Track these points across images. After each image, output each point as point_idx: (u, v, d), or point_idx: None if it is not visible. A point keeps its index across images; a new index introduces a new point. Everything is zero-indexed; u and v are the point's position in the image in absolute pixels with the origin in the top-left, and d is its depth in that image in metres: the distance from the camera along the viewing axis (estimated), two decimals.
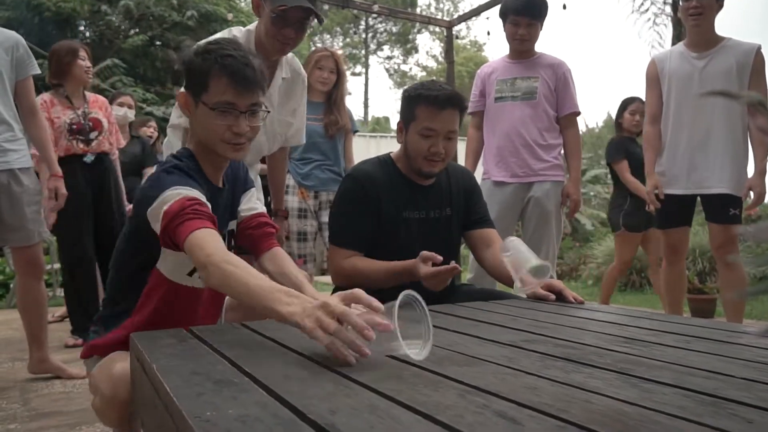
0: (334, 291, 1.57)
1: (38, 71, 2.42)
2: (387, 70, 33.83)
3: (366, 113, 28.80)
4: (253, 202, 1.48)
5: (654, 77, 2.80)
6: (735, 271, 2.64)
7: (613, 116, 4.13)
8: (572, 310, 1.36)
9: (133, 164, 3.77)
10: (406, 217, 1.74)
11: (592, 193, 10.19)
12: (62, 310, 3.75)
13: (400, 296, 0.84)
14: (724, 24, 2.81)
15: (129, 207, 3.12)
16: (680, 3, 2.76)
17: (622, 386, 0.71)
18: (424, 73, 29.78)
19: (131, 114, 4.01)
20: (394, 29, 29.41)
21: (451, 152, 1.71)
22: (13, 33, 2.38)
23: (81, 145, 3.00)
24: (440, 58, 28.43)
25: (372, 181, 1.72)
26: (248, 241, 1.45)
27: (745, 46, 2.61)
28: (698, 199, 2.72)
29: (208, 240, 1.07)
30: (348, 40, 29.35)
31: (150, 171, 3.43)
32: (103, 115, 3.14)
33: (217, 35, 1.95)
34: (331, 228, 1.82)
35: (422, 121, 1.66)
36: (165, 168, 1.24)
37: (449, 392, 0.68)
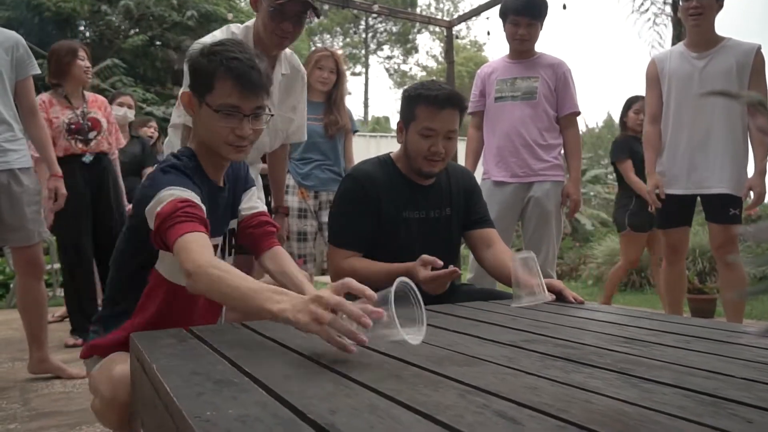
0: None
1: (38, 71, 2.42)
2: (387, 70, 33.86)
3: (366, 113, 28.81)
4: (254, 201, 1.48)
5: (654, 77, 2.80)
6: (735, 271, 2.64)
7: (614, 116, 4.17)
8: (572, 310, 1.36)
9: (132, 164, 3.77)
10: (406, 217, 1.74)
11: (592, 193, 10.18)
12: (62, 310, 3.75)
13: (395, 283, 0.86)
14: (724, 24, 2.81)
15: (129, 207, 3.12)
16: (680, 3, 2.76)
17: (622, 386, 0.71)
18: (424, 73, 29.79)
19: (131, 114, 4.02)
20: (394, 29, 29.41)
21: (451, 152, 1.71)
22: (13, 33, 2.38)
23: (80, 145, 3.00)
24: (440, 58, 28.43)
25: (372, 181, 1.72)
26: (249, 240, 1.45)
27: (745, 46, 2.61)
28: (698, 199, 2.72)
29: (196, 245, 1.07)
30: (348, 40, 29.36)
31: (150, 171, 3.44)
32: (102, 115, 3.14)
33: (216, 32, 1.96)
34: (330, 228, 1.82)
35: (422, 121, 1.66)
36: (162, 167, 1.24)
37: (449, 392, 0.68)
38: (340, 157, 3.10)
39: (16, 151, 2.30)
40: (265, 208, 1.50)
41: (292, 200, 2.91)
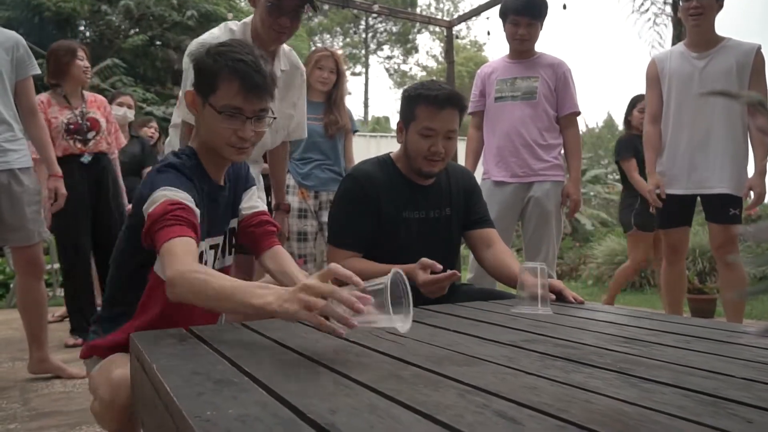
0: None
1: (38, 71, 2.42)
2: (387, 70, 33.86)
3: (366, 113, 28.81)
4: (255, 201, 1.48)
5: (654, 77, 2.80)
6: (735, 271, 2.64)
7: (614, 116, 4.15)
8: (572, 310, 1.36)
9: (132, 164, 3.77)
10: (406, 217, 1.74)
11: (592, 193, 10.19)
12: (62, 310, 3.75)
13: (390, 274, 0.88)
14: (724, 24, 2.81)
15: (129, 207, 3.12)
16: (680, 3, 2.76)
17: (622, 386, 0.71)
18: (424, 73, 29.79)
19: (131, 114, 4.01)
20: (394, 29, 29.41)
21: (451, 152, 1.71)
22: (13, 33, 2.38)
23: (78, 145, 3.00)
24: (440, 58, 28.44)
25: (371, 181, 1.72)
26: (249, 239, 1.45)
27: (745, 46, 2.61)
28: (698, 199, 2.72)
29: (180, 251, 1.07)
30: (348, 40, 29.36)
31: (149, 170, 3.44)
32: (102, 114, 3.14)
33: (214, 30, 1.97)
34: (330, 228, 1.82)
35: (422, 121, 1.66)
36: (160, 167, 1.24)
37: (449, 392, 0.68)
38: (341, 156, 3.10)
39: (17, 151, 2.30)
40: (265, 208, 1.50)
41: (293, 200, 2.92)
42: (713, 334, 1.08)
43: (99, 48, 10.44)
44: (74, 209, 2.83)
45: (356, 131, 3.33)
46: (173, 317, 1.24)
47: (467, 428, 0.55)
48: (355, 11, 5.13)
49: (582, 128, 10.34)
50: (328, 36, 28.85)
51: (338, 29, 28.66)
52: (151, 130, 4.41)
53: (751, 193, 2.54)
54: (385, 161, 1.79)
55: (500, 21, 2.81)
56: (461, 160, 2.92)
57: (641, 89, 3.00)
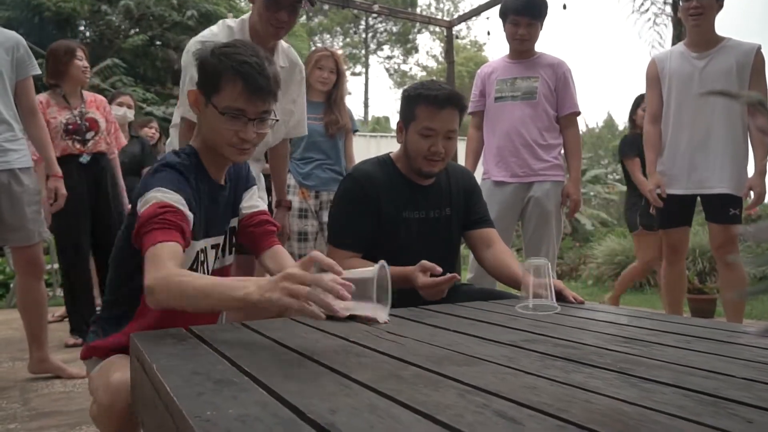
0: None
1: (38, 71, 2.43)
2: (387, 70, 33.84)
3: (366, 113, 28.80)
4: (255, 200, 1.48)
5: (654, 77, 2.80)
6: (735, 271, 2.64)
7: (614, 116, 4.14)
8: (572, 310, 1.36)
9: (132, 164, 3.77)
10: (406, 217, 1.74)
11: (592, 193, 10.20)
12: (62, 310, 3.75)
13: (377, 265, 0.94)
14: (724, 24, 2.81)
15: (129, 207, 3.12)
16: (680, 3, 2.76)
17: (622, 386, 0.71)
18: (424, 73, 29.78)
19: (130, 114, 4.01)
20: (394, 29, 29.39)
21: (451, 152, 1.71)
22: (13, 33, 2.38)
23: (77, 146, 2.99)
24: (440, 58, 28.42)
25: (371, 181, 1.72)
26: (249, 239, 1.45)
27: (745, 46, 2.61)
28: (698, 199, 2.72)
29: (164, 256, 1.07)
30: (348, 40, 29.35)
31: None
32: (101, 115, 3.14)
33: (213, 27, 1.98)
34: (330, 228, 1.82)
35: (422, 121, 1.66)
36: (156, 166, 1.24)
37: (449, 392, 0.68)
38: (341, 156, 3.10)
39: (17, 151, 2.30)
40: (265, 208, 1.50)
41: (293, 200, 2.91)
42: (713, 334, 1.08)
43: (99, 48, 10.45)
44: (74, 209, 2.83)
45: (357, 131, 3.33)
46: (174, 318, 1.24)
47: (467, 428, 0.55)
48: (355, 11, 5.13)
49: (582, 128, 10.35)
50: (328, 36, 28.85)
51: (338, 29, 28.65)
52: (151, 131, 4.41)
53: (751, 193, 2.54)
54: (385, 161, 1.79)
55: (500, 21, 2.81)
56: (461, 160, 2.92)
57: (641, 89, 3.00)
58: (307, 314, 0.86)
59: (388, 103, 47.98)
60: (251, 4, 1.98)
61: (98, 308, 3.09)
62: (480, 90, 2.87)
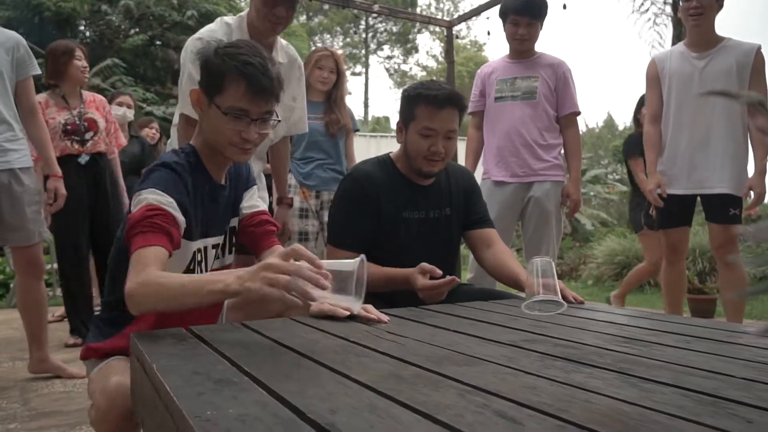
0: None
1: (39, 71, 2.43)
2: (387, 70, 33.85)
3: (366, 113, 28.80)
4: (255, 200, 1.48)
5: (654, 77, 2.80)
6: (735, 271, 2.64)
7: (614, 116, 4.14)
8: (572, 310, 1.36)
9: (132, 164, 3.77)
10: (406, 217, 1.74)
11: (592, 193, 10.20)
12: (62, 310, 3.74)
13: (356, 260, 1.01)
14: (724, 24, 2.81)
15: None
16: (680, 3, 2.76)
17: (622, 386, 0.71)
18: (424, 73, 29.80)
19: (130, 113, 4.02)
20: (394, 29, 29.41)
21: (451, 152, 1.71)
22: (13, 33, 2.38)
23: (76, 146, 2.99)
24: (440, 58, 28.43)
25: (371, 181, 1.72)
26: (249, 239, 1.45)
27: (745, 46, 2.61)
28: (698, 199, 2.72)
29: (144, 262, 1.06)
30: (348, 39, 29.36)
31: None
32: (100, 115, 3.13)
33: (211, 25, 1.99)
34: (330, 228, 1.82)
35: (422, 121, 1.66)
36: (153, 165, 1.24)
37: (449, 392, 0.68)
38: (342, 156, 3.10)
39: (17, 151, 2.30)
40: (265, 208, 1.50)
41: (294, 200, 2.91)
42: (713, 334, 1.08)
43: (99, 48, 10.45)
44: (73, 210, 2.83)
45: (357, 130, 3.33)
46: (173, 320, 1.24)
47: (467, 428, 0.55)
48: (355, 11, 5.13)
49: (582, 128, 10.35)
50: (328, 36, 28.87)
51: (338, 29, 28.67)
52: (152, 131, 4.41)
53: (751, 193, 2.53)
54: (384, 161, 1.79)
55: (500, 21, 2.81)
56: (461, 160, 2.92)
57: (641, 89, 3.00)
58: (287, 302, 0.90)
59: (388, 103, 48.03)
60: (250, 1, 1.98)
61: (97, 308, 3.09)
62: (480, 90, 2.87)
